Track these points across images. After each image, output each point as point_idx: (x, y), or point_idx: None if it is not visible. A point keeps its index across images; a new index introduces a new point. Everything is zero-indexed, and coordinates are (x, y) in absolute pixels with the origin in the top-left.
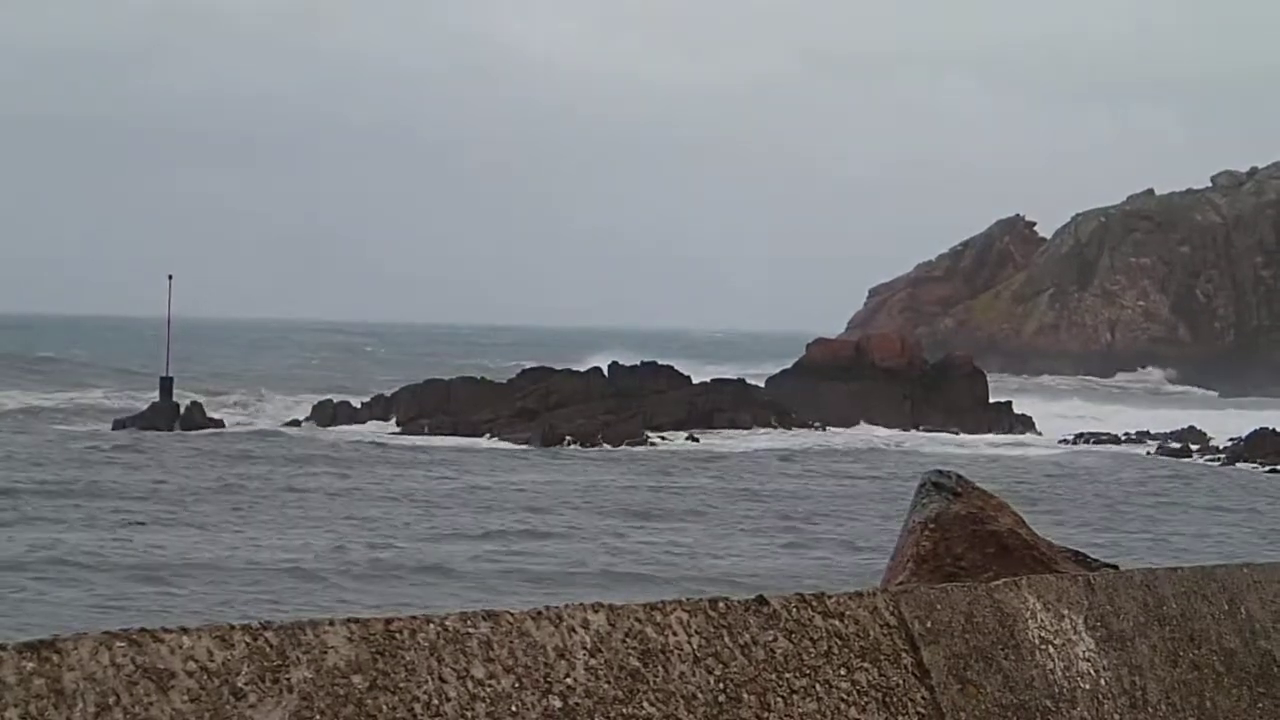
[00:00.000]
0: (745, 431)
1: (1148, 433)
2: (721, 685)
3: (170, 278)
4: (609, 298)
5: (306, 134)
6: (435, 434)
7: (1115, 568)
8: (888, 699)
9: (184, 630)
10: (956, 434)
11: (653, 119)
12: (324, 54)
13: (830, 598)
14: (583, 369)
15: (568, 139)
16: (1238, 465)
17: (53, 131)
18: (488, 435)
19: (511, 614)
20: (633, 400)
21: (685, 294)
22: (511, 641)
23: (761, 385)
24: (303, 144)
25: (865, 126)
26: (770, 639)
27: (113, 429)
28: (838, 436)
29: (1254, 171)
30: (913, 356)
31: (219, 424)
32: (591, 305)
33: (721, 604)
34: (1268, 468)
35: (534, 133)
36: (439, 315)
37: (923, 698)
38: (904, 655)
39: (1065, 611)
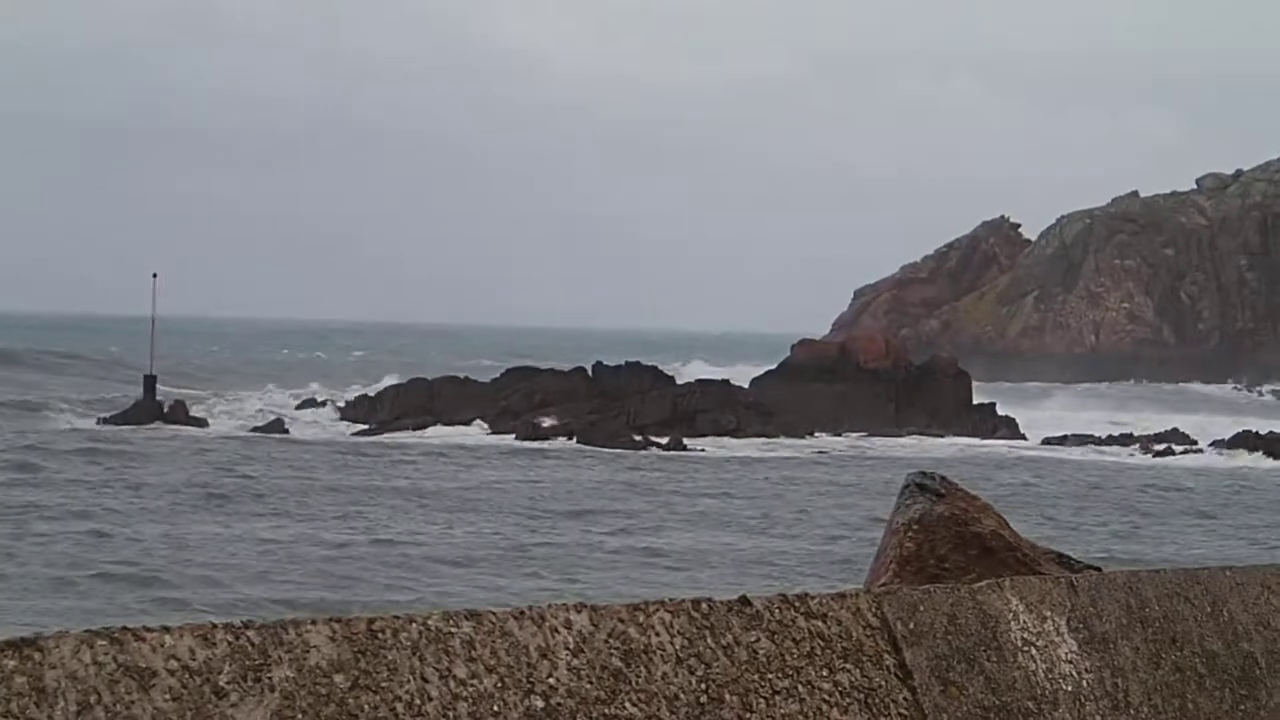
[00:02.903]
0: (728, 432)
1: (1131, 434)
2: (704, 686)
3: (155, 276)
4: (607, 298)
5: (308, 134)
6: (417, 433)
7: (1098, 569)
8: (870, 700)
9: (166, 629)
10: (940, 435)
11: (652, 119)
12: (325, 54)
13: (813, 598)
14: (567, 369)
15: (567, 139)
16: (1221, 466)
17: (52, 130)
18: (471, 438)
19: (494, 613)
20: (617, 400)
21: (679, 295)
22: (494, 641)
23: (746, 386)
24: (305, 144)
25: (860, 128)
26: (753, 640)
27: (96, 426)
28: (821, 437)
29: (1239, 174)
30: (897, 358)
31: (201, 422)
32: (590, 306)
33: (704, 605)
34: (1251, 468)
35: (534, 133)
36: (439, 315)
37: (905, 699)
38: (886, 656)
39: (1048, 613)
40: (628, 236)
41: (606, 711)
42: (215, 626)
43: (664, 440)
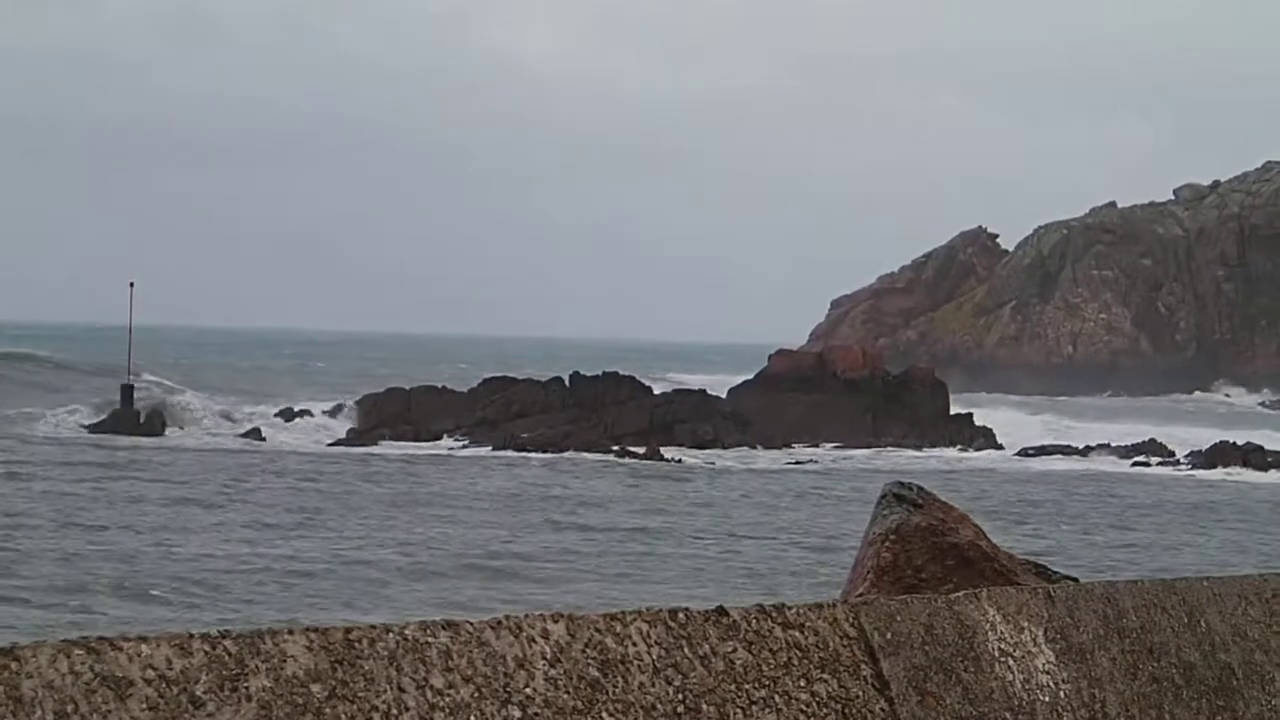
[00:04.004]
0: (705, 442)
1: (1108, 444)
2: (681, 696)
3: (131, 285)
4: (594, 308)
5: (297, 141)
6: (394, 443)
7: (1075, 580)
8: (847, 711)
9: (142, 639)
10: (918, 445)
11: (639, 126)
12: (317, 60)
13: (790, 609)
14: (544, 378)
15: (555, 146)
16: (1198, 477)
17: (45, 135)
18: (448, 448)
19: (471, 623)
20: (594, 410)
21: (664, 304)
22: (471, 651)
23: (723, 396)
24: (295, 151)
25: (841, 136)
26: (730, 650)
27: (71, 434)
28: (798, 448)
29: (1216, 184)
30: (874, 368)
31: (179, 431)
32: (577, 315)
33: (681, 615)
34: (1228, 480)
35: (522, 140)
36: (427, 325)
37: (882, 709)
38: (864, 667)
39: (1025, 624)
40: (613, 245)
41: None
42: (192, 636)
43: (641, 450)
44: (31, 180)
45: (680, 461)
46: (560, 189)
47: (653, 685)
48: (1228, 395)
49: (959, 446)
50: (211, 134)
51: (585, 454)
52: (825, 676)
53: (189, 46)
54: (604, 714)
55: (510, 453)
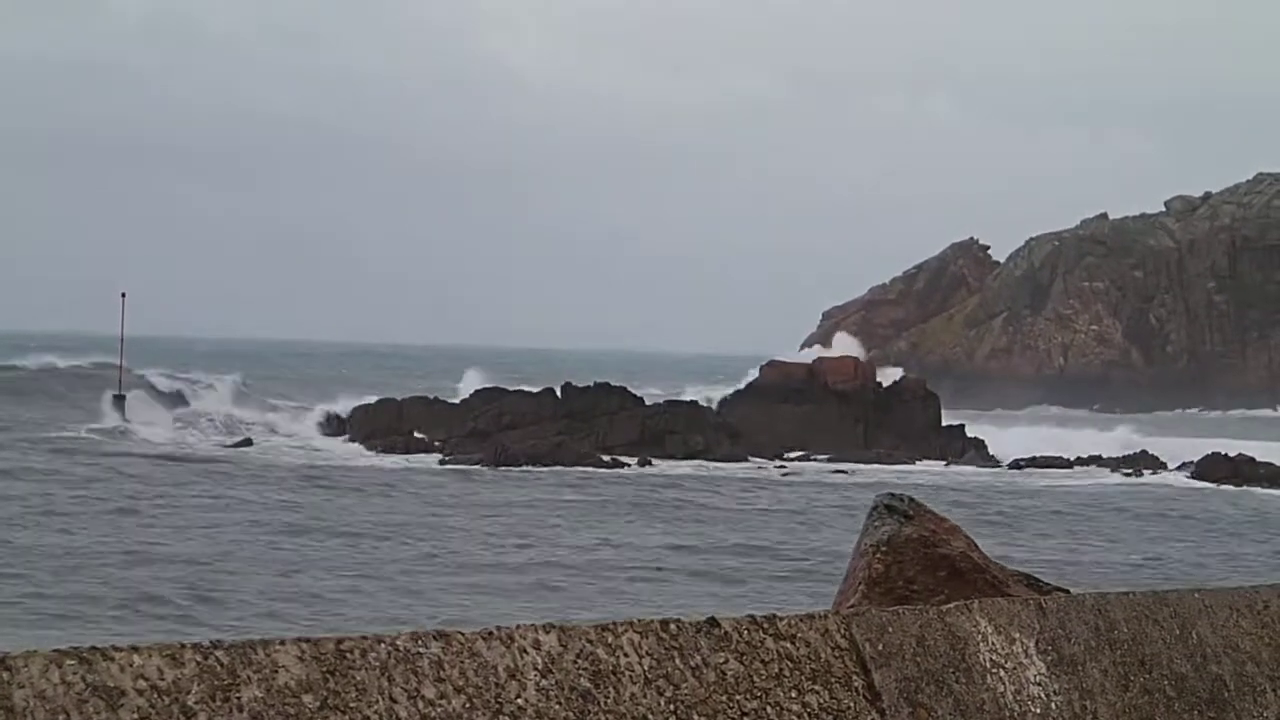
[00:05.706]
0: (697, 453)
1: (1099, 456)
2: (672, 707)
3: (123, 295)
4: (585, 318)
5: (289, 152)
6: (386, 454)
7: (1066, 591)
8: None
9: (134, 649)
10: (909, 457)
11: (632, 136)
12: (314, 69)
13: (781, 620)
14: (535, 390)
15: (546, 156)
16: (1190, 488)
17: (40, 144)
18: (438, 460)
19: (463, 634)
20: (585, 421)
21: (658, 315)
22: (463, 662)
23: (715, 407)
24: (289, 160)
25: (837, 147)
26: (721, 661)
27: (62, 436)
28: (789, 459)
29: (1207, 196)
30: (866, 379)
31: (169, 442)
32: (567, 326)
33: (673, 625)
34: (1220, 491)
35: (515, 149)
36: (419, 336)
37: None
38: (855, 678)
39: (1016, 635)
40: (607, 255)
41: None
42: (184, 646)
43: (632, 461)
44: (25, 188)
45: (671, 472)
46: (557, 199)
47: (644, 696)
48: (1219, 407)
49: (950, 458)
50: (208, 143)
51: (576, 465)
52: (817, 688)
53: (186, 56)
54: None
55: (501, 464)
